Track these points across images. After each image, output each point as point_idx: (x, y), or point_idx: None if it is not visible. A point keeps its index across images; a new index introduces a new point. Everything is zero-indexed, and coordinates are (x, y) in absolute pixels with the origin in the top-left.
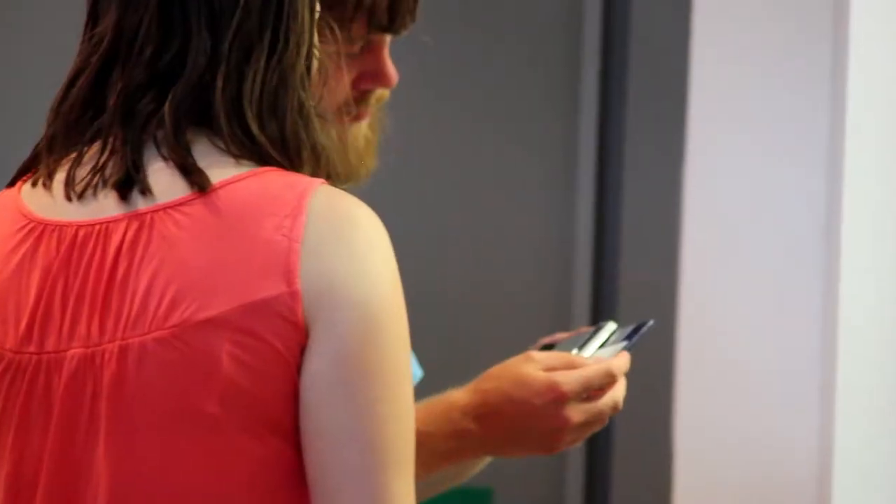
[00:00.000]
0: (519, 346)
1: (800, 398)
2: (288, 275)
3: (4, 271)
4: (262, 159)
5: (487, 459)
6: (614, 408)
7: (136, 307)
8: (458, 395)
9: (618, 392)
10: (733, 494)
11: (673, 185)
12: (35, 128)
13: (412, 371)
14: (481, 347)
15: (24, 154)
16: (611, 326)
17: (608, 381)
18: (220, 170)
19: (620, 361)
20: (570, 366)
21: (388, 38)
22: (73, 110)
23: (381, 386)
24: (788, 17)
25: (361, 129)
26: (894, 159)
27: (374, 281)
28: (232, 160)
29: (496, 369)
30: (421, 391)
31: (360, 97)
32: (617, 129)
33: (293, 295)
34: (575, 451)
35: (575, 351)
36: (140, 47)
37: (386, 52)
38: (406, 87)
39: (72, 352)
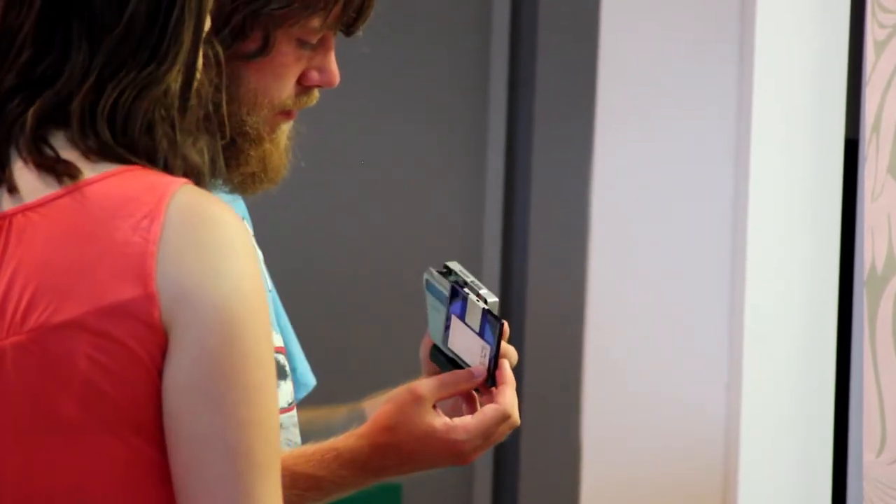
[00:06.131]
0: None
1: (706, 397)
2: (144, 277)
3: None
4: (121, 161)
5: None
6: (512, 429)
7: None
8: (359, 448)
9: (514, 418)
10: (641, 491)
11: (580, 184)
12: None
13: (305, 380)
14: (389, 342)
15: None
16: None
17: (504, 420)
18: (81, 167)
19: (509, 394)
20: (455, 394)
21: (334, 37)
22: None
23: (242, 389)
24: (697, 16)
25: (286, 131)
26: (799, 159)
27: (233, 283)
28: (90, 161)
29: (389, 418)
30: (333, 390)
31: (302, 93)
32: (525, 132)
33: (149, 297)
34: None
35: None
36: (18, 50)
37: (333, 53)
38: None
39: None
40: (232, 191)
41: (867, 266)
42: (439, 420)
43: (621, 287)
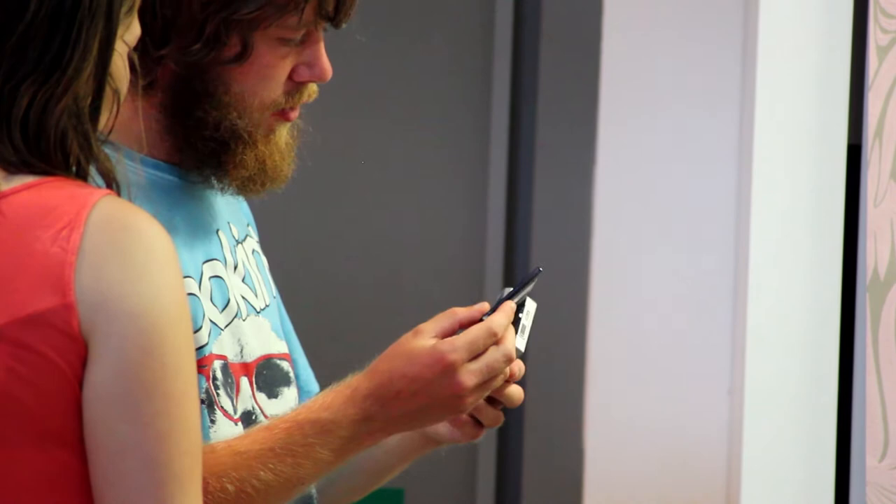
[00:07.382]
0: None
1: (708, 401)
2: (62, 287)
3: None
4: (37, 171)
5: (405, 465)
6: (507, 359)
7: None
8: (358, 381)
9: (506, 344)
10: (644, 495)
11: (583, 185)
12: None
13: (309, 388)
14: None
15: None
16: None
17: (492, 338)
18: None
19: (499, 316)
20: (455, 325)
21: (322, 32)
22: None
23: (160, 399)
24: (699, 20)
25: (284, 132)
26: (801, 164)
27: (153, 292)
28: (7, 172)
29: (390, 349)
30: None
31: (294, 90)
32: (528, 133)
33: (67, 307)
34: (486, 451)
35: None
36: None
37: (322, 46)
38: (325, 85)
39: None
40: (234, 194)
41: (870, 271)
42: (430, 341)
43: (624, 288)
